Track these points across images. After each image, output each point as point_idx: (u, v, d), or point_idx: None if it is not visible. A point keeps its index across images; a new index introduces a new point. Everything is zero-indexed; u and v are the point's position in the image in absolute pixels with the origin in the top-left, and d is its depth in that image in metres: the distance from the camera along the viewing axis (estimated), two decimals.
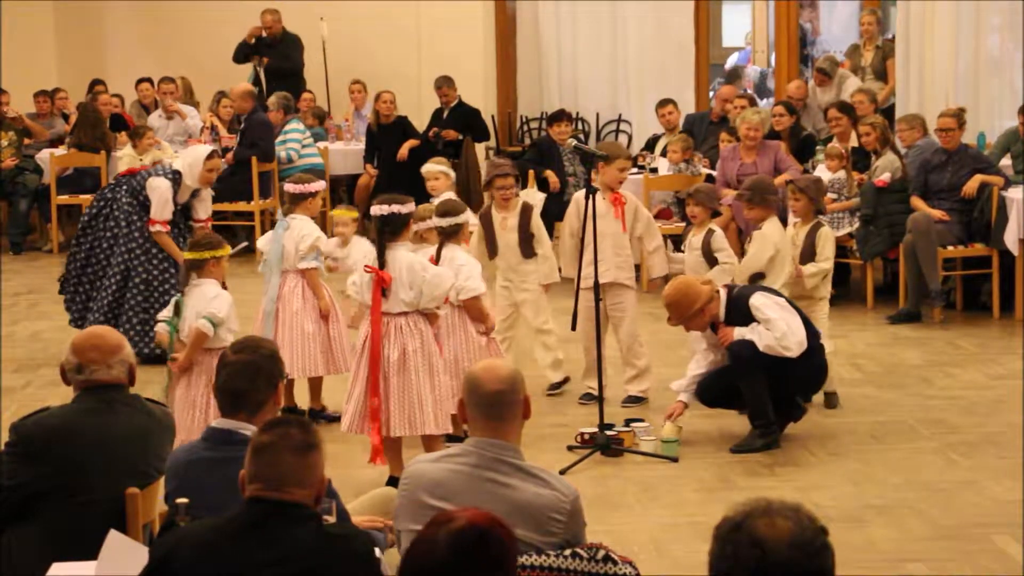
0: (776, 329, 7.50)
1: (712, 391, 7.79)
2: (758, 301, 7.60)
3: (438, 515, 3.25)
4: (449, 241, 7.64)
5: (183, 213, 9.76)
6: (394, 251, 7.10)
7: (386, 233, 7.11)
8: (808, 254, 8.46)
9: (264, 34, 15.71)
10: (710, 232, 8.69)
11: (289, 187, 8.46)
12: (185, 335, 7.28)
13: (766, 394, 7.62)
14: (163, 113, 15.18)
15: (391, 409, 7.03)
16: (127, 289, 9.60)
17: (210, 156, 9.61)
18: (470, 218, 7.38)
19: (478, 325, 7.73)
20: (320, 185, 8.61)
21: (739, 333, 7.58)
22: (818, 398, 8.32)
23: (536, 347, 8.91)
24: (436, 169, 9.24)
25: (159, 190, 9.53)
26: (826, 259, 8.51)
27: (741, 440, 7.70)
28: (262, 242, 8.55)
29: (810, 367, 7.69)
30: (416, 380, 7.01)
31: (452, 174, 9.31)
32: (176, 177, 9.57)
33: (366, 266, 7.18)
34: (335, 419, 8.22)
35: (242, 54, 15.77)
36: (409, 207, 7.18)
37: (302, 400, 8.48)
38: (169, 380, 7.40)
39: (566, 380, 8.91)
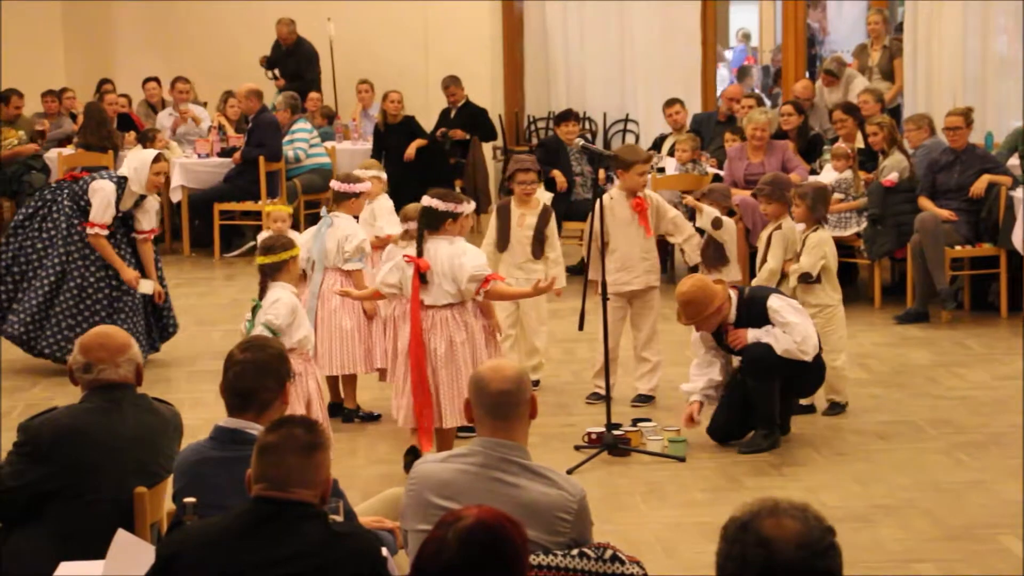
0: (796, 333, 7.48)
1: (721, 430, 7.77)
2: (776, 304, 7.57)
3: (447, 514, 3.25)
4: (435, 234, 7.49)
5: (123, 223, 9.43)
6: (434, 243, 7.18)
7: (424, 225, 7.23)
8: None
9: (283, 45, 15.76)
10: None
11: (335, 184, 8.43)
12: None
13: (777, 397, 7.61)
14: (173, 112, 15.18)
15: (442, 401, 7.13)
16: (59, 292, 9.31)
17: (156, 159, 9.33)
18: (467, 209, 7.37)
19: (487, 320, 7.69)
20: (366, 186, 8.55)
21: (753, 336, 7.56)
22: (819, 404, 8.31)
23: (524, 347, 8.89)
24: (368, 173, 9.01)
25: (102, 192, 9.25)
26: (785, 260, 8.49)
27: (747, 441, 7.69)
28: (301, 239, 8.50)
29: (815, 368, 7.69)
30: (465, 371, 7.06)
31: (384, 176, 9.23)
32: (121, 182, 9.30)
33: (405, 255, 7.28)
34: (371, 418, 8.24)
35: (267, 68, 15.80)
36: (448, 205, 7.20)
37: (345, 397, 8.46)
38: None
39: (536, 383, 8.86)
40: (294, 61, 15.71)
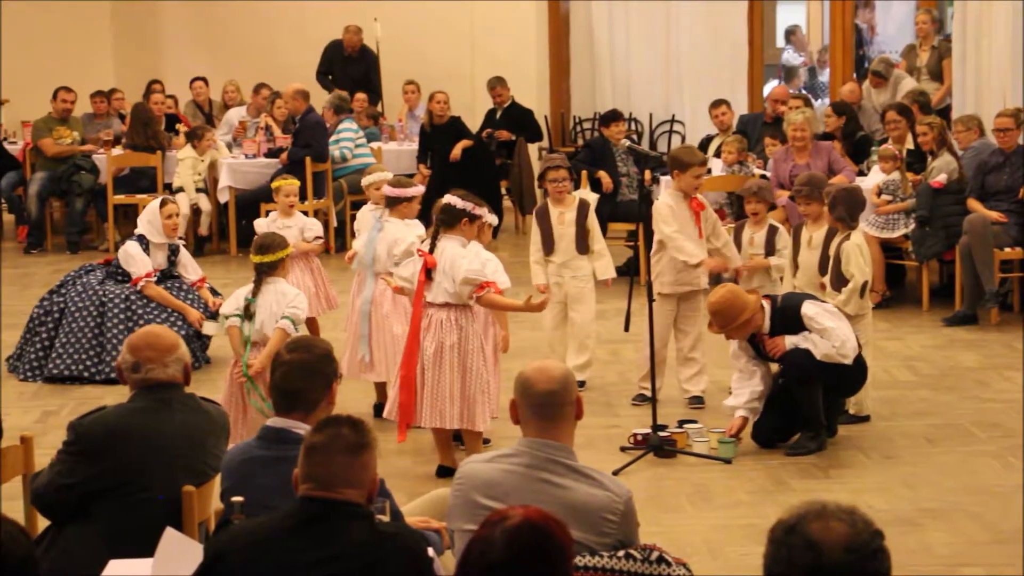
0: (834, 338, 7.45)
1: (765, 434, 7.74)
2: (810, 310, 7.54)
3: (493, 513, 3.25)
4: (450, 232, 7.39)
5: (168, 277, 9.61)
6: (446, 241, 7.23)
7: (440, 222, 7.28)
8: (824, 260, 8.35)
9: (347, 52, 15.83)
10: (773, 229, 8.74)
11: (387, 190, 8.42)
12: (256, 335, 7.33)
13: (820, 400, 7.58)
14: (247, 116, 15.21)
15: (424, 400, 7.16)
16: (106, 319, 9.32)
17: (163, 204, 9.56)
18: (486, 215, 7.41)
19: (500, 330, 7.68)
20: (419, 190, 8.55)
21: (791, 342, 7.53)
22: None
23: (572, 344, 8.90)
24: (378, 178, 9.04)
25: (126, 251, 9.51)
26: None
27: (794, 443, 7.66)
28: (358, 243, 8.53)
29: (856, 368, 7.65)
30: (449, 376, 7.12)
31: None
32: (141, 239, 9.52)
33: (418, 249, 7.35)
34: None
35: (322, 73, 15.86)
36: (466, 205, 7.25)
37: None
38: (250, 388, 7.34)
39: (583, 383, 8.84)
40: (361, 67, 15.75)
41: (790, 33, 20.22)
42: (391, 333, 8.14)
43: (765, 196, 8.90)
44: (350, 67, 15.75)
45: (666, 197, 8.61)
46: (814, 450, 7.58)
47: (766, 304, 7.64)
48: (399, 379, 7.27)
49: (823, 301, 7.76)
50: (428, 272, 7.18)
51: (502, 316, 7.65)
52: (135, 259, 9.48)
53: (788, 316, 7.57)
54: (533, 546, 3.16)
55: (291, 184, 9.67)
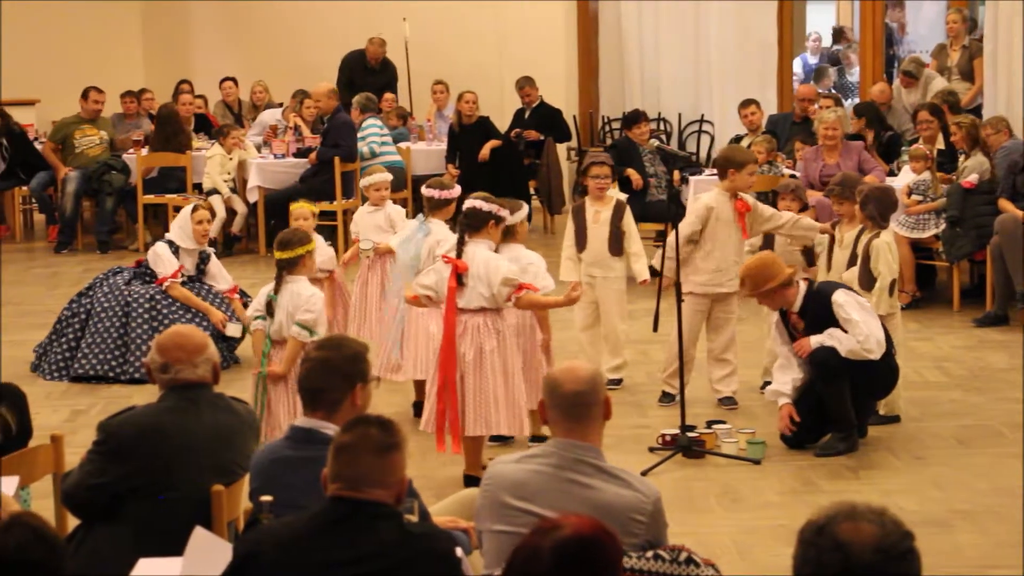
0: (858, 332, 7.43)
1: (794, 434, 7.70)
2: (841, 299, 7.53)
3: (544, 521, 3.22)
4: (476, 236, 7.32)
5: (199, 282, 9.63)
6: (473, 246, 7.14)
7: (466, 226, 7.18)
8: (853, 258, 8.34)
9: (369, 63, 15.83)
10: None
11: (427, 191, 8.31)
12: (275, 334, 7.34)
13: (849, 400, 7.55)
14: (280, 119, 15.23)
15: (467, 408, 7.07)
16: (131, 319, 9.34)
17: (194, 209, 9.62)
18: (511, 215, 7.42)
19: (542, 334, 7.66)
20: (458, 191, 8.42)
21: (816, 341, 7.51)
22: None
23: (606, 345, 8.90)
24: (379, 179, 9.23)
25: (155, 252, 9.57)
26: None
27: (824, 443, 7.63)
28: (395, 241, 8.49)
29: (884, 368, 7.62)
30: (492, 380, 7.05)
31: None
32: (170, 244, 9.58)
33: (443, 255, 7.25)
34: None
35: (342, 84, 15.84)
36: (491, 207, 7.20)
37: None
38: (261, 390, 7.35)
39: (619, 381, 8.89)
40: (383, 79, 15.75)
41: (839, 33, 20.15)
42: (426, 331, 8.11)
43: (800, 195, 8.93)
44: (371, 78, 15.71)
45: (708, 199, 8.56)
46: (844, 451, 7.55)
47: (803, 285, 7.64)
48: (435, 388, 7.15)
49: (859, 294, 7.75)
50: (459, 278, 7.11)
51: (544, 319, 7.59)
52: (163, 259, 9.53)
53: (820, 301, 7.56)
54: (582, 561, 3.12)
55: (300, 208, 9.37)
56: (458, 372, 7.06)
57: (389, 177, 9.34)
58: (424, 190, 8.38)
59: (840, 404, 7.54)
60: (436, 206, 8.28)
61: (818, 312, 7.56)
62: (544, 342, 7.64)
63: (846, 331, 7.47)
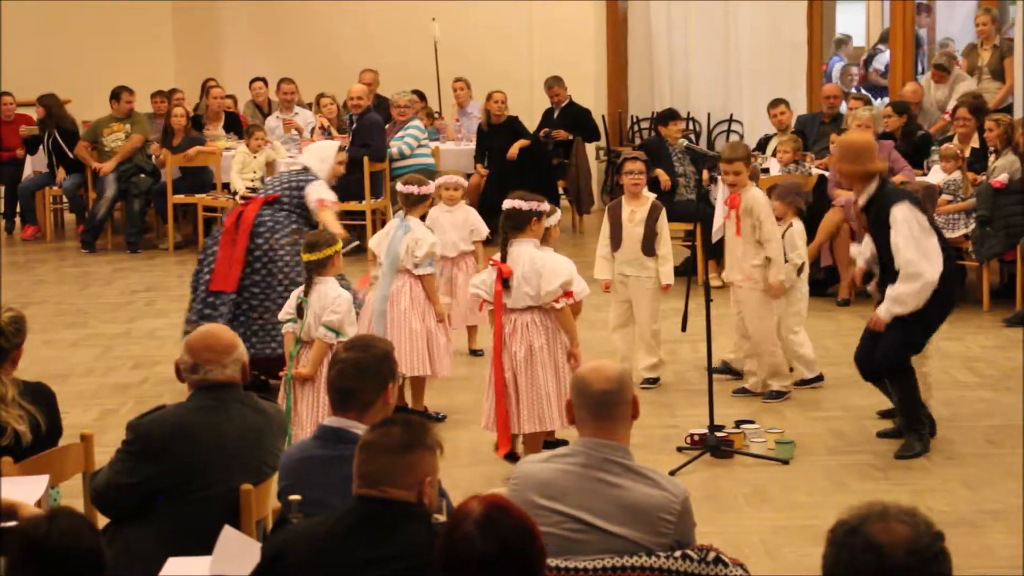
0: (899, 257, 7.33)
1: (866, 361, 7.65)
2: (900, 214, 7.39)
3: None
4: (521, 235, 7.30)
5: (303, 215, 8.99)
6: (518, 246, 7.18)
7: (508, 228, 7.23)
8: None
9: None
10: (789, 227, 8.75)
11: (404, 188, 8.43)
12: (305, 335, 7.36)
13: (917, 394, 7.55)
14: (280, 115, 15.28)
15: (520, 406, 7.13)
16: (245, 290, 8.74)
17: (340, 149, 9.45)
18: (550, 211, 7.46)
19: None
20: (433, 188, 8.64)
21: (884, 311, 7.40)
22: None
23: (641, 346, 8.89)
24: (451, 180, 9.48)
25: (316, 183, 8.90)
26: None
27: (902, 446, 7.56)
28: (373, 242, 8.58)
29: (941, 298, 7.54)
30: (543, 376, 7.10)
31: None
32: (304, 171, 9.06)
33: (490, 259, 7.31)
34: (436, 419, 8.24)
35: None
36: (531, 204, 7.23)
37: (414, 398, 8.51)
38: (288, 391, 7.36)
39: (656, 380, 8.90)
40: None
41: (886, 35, 20.07)
42: (409, 328, 8.15)
43: (782, 196, 8.85)
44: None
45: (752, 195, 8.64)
46: (920, 452, 7.49)
47: (874, 185, 7.53)
48: (493, 390, 7.20)
49: (923, 210, 7.61)
50: (505, 281, 7.13)
51: (572, 332, 7.54)
52: (325, 186, 8.97)
53: (882, 204, 7.47)
54: (507, 527, 3.27)
55: (450, 178, 9.62)
56: (509, 371, 7.13)
57: (461, 179, 9.44)
58: (401, 187, 8.44)
59: (907, 400, 7.50)
60: (414, 202, 8.39)
61: (878, 216, 7.50)
62: (569, 353, 7.54)
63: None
